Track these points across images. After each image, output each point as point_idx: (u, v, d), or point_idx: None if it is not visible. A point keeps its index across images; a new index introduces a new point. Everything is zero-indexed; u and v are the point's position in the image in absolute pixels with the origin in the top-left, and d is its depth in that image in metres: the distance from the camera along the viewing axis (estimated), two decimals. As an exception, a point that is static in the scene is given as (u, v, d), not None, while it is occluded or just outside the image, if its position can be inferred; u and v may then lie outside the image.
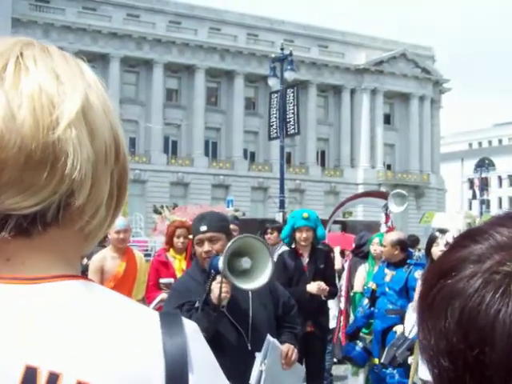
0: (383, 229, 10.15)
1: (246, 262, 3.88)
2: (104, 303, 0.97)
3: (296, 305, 4.61)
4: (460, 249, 0.83)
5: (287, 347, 4.25)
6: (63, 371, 0.90)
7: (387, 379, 6.91)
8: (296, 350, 4.31)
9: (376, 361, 7.13)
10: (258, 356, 4.03)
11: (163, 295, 6.94)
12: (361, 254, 8.83)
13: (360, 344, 7.29)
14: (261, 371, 3.99)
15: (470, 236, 0.84)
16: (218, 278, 3.91)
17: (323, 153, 64.90)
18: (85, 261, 7.45)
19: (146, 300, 7.13)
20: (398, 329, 6.79)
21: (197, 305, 3.98)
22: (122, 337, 0.94)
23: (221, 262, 3.85)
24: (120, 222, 7.04)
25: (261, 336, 4.08)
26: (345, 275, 9.05)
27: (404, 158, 66.61)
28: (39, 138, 0.91)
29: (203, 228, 4.18)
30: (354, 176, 63.56)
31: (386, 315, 7.01)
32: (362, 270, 8.36)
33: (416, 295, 6.33)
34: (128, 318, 0.97)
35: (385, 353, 6.74)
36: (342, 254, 14.40)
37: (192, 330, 1.00)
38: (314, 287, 6.73)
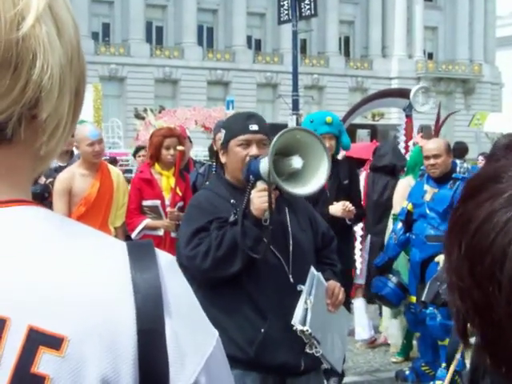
0: (402, 138, 9.97)
1: (296, 162, 3.83)
2: (61, 233, 0.99)
3: (335, 237, 4.60)
4: (493, 163, 0.83)
5: (333, 284, 4.22)
6: (12, 315, 0.92)
7: (427, 321, 6.99)
8: (343, 290, 4.28)
9: (413, 299, 7.19)
10: (303, 291, 4.01)
11: (147, 221, 6.98)
12: (386, 168, 8.65)
13: (393, 279, 7.33)
14: (306, 309, 3.96)
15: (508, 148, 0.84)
16: (259, 184, 3.91)
17: (347, 39, 64.34)
18: (42, 180, 7.38)
19: (127, 227, 7.16)
20: (442, 259, 6.80)
21: (231, 219, 3.97)
22: (82, 273, 0.96)
23: (264, 164, 3.82)
24: (92, 130, 6.99)
25: (303, 267, 4.07)
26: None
27: (450, 44, 65.94)
28: (1, 35, 0.91)
29: (254, 127, 4.12)
30: (386, 68, 63.09)
31: (426, 242, 7.03)
32: (404, 186, 8.09)
33: None
34: (89, 250, 0.98)
35: (426, 289, 6.78)
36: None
37: (167, 262, 1.02)
38: (338, 209, 6.72)
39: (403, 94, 10.48)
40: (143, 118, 25.99)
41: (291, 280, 4.03)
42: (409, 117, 10.09)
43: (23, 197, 1.00)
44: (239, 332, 3.93)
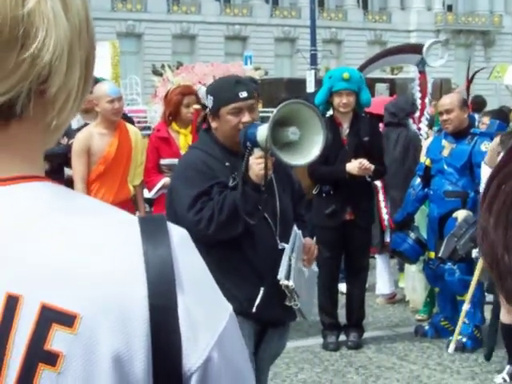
0: (417, 94, 9.86)
1: (293, 133, 3.95)
2: (73, 209, 0.99)
3: (305, 195, 4.75)
4: None
5: (310, 242, 4.46)
6: (24, 293, 0.92)
7: (446, 276, 7.00)
8: (317, 247, 4.55)
9: (432, 254, 7.19)
10: (286, 249, 4.19)
11: (166, 180, 6.97)
12: (393, 123, 8.62)
13: (412, 235, 7.33)
14: (289, 265, 4.17)
15: None
16: (256, 151, 4.02)
17: (365, -8, 63.68)
18: (65, 140, 7.36)
19: (145, 185, 7.18)
20: (460, 215, 6.80)
21: (231, 184, 4.08)
22: (94, 250, 0.96)
23: (262, 133, 3.92)
24: (112, 87, 6.98)
25: (287, 227, 4.26)
26: None
27: (469, -5, 65.16)
28: (6, 11, 0.91)
29: (244, 94, 4.17)
30: (404, 21, 62.47)
31: (444, 198, 7.02)
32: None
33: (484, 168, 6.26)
34: (101, 226, 0.98)
35: (443, 245, 6.79)
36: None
37: (180, 237, 1.01)
38: (354, 166, 6.70)
39: (416, 49, 10.27)
40: (161, 75, 25.87)
41: (278, 240, 4.20)
42: (422, 73, 9.88)
43: (35, 172, 1.00)
44: (239, 290, 4.03)
